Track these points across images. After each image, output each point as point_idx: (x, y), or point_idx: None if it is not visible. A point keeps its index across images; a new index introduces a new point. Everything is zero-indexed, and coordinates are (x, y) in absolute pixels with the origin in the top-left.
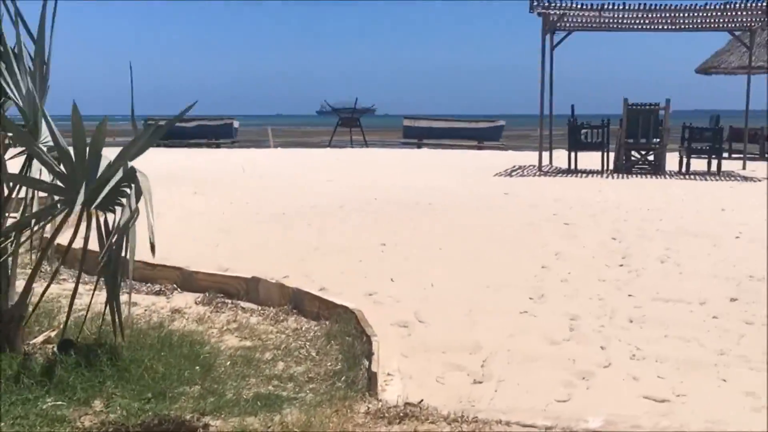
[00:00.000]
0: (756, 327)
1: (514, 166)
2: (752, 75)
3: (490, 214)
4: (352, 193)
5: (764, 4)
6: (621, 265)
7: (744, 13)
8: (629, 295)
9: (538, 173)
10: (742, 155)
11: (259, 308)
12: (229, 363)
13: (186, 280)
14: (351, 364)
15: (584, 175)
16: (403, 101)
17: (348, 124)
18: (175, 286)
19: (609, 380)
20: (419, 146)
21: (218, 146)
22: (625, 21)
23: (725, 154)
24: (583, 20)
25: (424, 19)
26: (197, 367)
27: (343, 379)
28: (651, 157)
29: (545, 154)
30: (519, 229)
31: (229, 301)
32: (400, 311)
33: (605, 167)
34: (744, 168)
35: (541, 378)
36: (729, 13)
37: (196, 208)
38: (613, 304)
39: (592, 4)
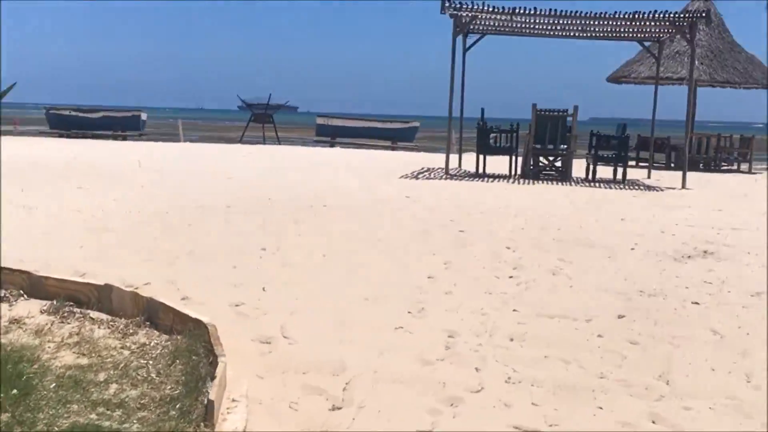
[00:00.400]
0: (640, 347)
1: (422, 168)
2: (660, 86)
3: (385, 218)
4: (247, 192)
5: (672, 15)
6: (511, 277)
7: (652, 23)
8: (514, 310)
9: (444, 176)
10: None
11: (110, 319)
12: (54, 385)
13: (34, 286)
14: (191, 388)
15: (491, 179)
16: (327, 99)
17: (261, 119)
18: (21, 292)
19: (479, 407)
20: (332, 145)
21: (125, 139)
22: (537, 26)
23: (633, 162)
24: (496, 24)
25: (355, 17)
26: (14, 391)
27: (178, 406)
28: (558, 164)
29: (454, 157)
30: (411, 236)
31: (78, 310)
32: (265, 325)
33: (513, 172)
34: (649, 177)
35: (405, 404)
36: (638, 23)
37: (75, 204)
38: (496, 319)
39: (503, 8)
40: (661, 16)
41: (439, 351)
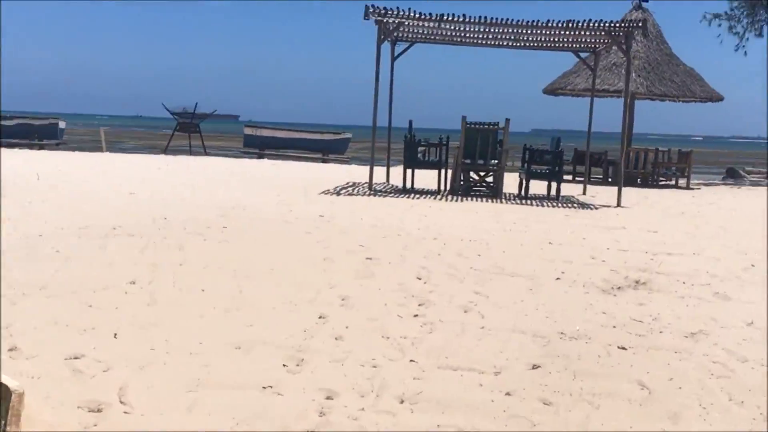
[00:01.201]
0: (553, 410)
1: (347, 183)
2: (598, 98)
3: (287, 242)
4: (143, 210)
5: (607, 24)
6: (416, 316)
7: (588, 33)
8: (411, 361)
9: (368, 193)
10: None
11: None
12: None
13: None
14: None
15: (417, 196)
16: (271, 109)
17: (186, 129)
18: None
19: None
20: (260, 156)
21: (41, 148)
22: (467, 34)
23: (569, 177)
24: (424, 31)
25: (302, 27)
26: None
27: None
28: (490, 179)
29: (380, 171)
30: (311, 264)
31: None
32: (102, 385)
33: (442, 188)
34: (584, 193)
35: None
36: (572, 33)
37: None
38: (387, 374)
39: (430, 14)
40: (596, 25)
41: (309, 420)
